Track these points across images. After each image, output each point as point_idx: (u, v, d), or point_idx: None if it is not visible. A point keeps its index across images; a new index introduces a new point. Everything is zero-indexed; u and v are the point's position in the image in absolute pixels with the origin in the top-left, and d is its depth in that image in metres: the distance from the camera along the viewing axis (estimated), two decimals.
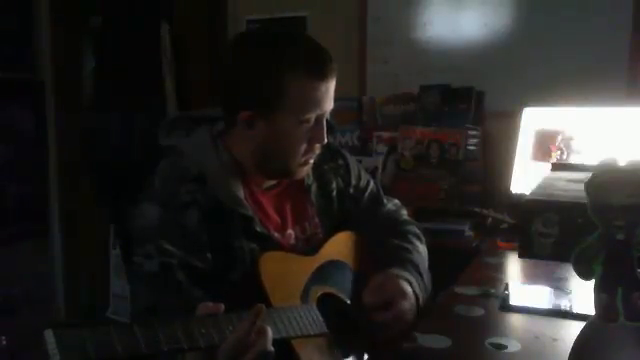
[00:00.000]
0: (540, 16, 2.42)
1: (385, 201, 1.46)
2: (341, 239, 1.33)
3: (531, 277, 1.48)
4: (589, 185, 0.85)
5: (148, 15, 3.09)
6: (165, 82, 3.08)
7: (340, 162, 1.39)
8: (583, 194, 0.85)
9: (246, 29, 2.78)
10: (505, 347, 1.06)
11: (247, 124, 1.15)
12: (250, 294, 1.07)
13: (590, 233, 0.84)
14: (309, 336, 1.08)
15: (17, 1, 2.99)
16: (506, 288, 1.33)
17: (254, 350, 0.89)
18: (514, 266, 1.62)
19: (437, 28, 2.59)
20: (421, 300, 1.25)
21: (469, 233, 2.19)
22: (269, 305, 1.04)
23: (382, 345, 1.21)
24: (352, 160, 1.43)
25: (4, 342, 0.70)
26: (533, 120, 2.14)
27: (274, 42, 1.15)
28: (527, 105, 2.17)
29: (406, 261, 1.30)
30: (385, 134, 2.60)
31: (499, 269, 1.56)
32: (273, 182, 1.27)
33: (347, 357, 1.20)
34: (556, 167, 1.43)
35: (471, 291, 1.36)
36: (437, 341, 1.09)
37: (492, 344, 1.07)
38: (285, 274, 1.15)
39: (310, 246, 1.28)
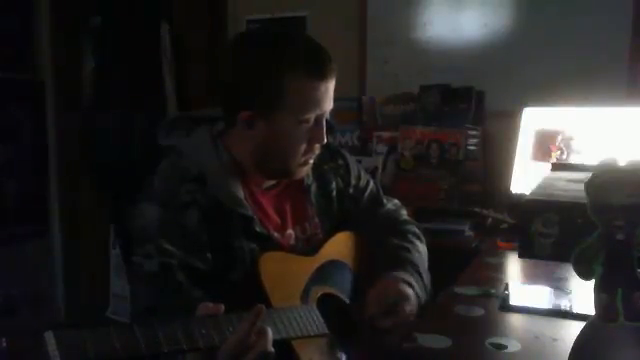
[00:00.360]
0: (540, 16, 2.42)
1: (385, 201, 1.46)
2: (341, 239, 1.33)
3: (531, 277, 1.48)
4: (589, 185, 0.84)
5: (148, 15, 3.10)
6: (165, 82, 3.08)
7: (340, 162, 1.39)
8: (583, 194, 0.85)
9: (246, 29, 2.78)
10: (505, 347, 1.06)
11: (247, 124, 1.15)
12: (250, 294, 1.07)
13: (590, 233, 0.84)
14: (309, 337, 1.08)
15: (17, 1, 3.00)
16: (506, 288, 1.33)
17: (254, 351, 0.89)
18: (514, 266, 1.62)
19: (437, 28, 2.59)
20: (422, 300, 1.25)
21: (469, 233, 2.19)
22: (269, 305, 1.04)
23: (382, 344, 1.21)
24: (352, 160, 1.43)
25: (4, 343, 0.70)
26: (533, 120, 2.14)
27: (274, 42, 1.15)
28: (527, 105, 2.17)
29: (406, 261, 1.30)
30: (385, 134, 2.60)
31: (499, 269, 1.56)
32: (273, 182, 1.27)
33: (347, 357, 1.20)
34: (556, 167, 1.43)
35: (471, 291, 1.36)
36: (437, 341, 1.09)
37: (492, 344, 1.07)
38: (285, 274, 1.15)
39: (310, 246, 1.28)
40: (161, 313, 1.04)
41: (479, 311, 1.24)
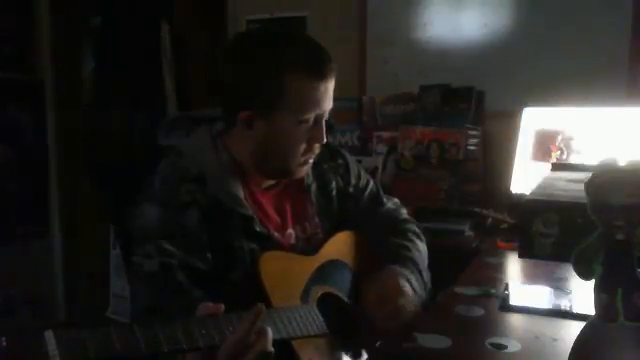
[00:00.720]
0: (540, 16, 2.42)
1: (385, 200, 1.46)
2: (341, 239, 1.33)
3: (531, 277, 1.48)
4: (589, 185, 0.84)
5: (148, 15, 3.10)
6: (165, 82, 3.08)
7: (340, 161, 1.39)
8: (583, 194, 0.85)
9: (246, 29, 2.78)
10: (505, 347, 1.06)
11: (246, 124, 1.15)
12: (250, 294, 1.07)
13: (590, 233, 0.84)
14: (309, 336, 1.08)
15: (17, 1, 3.00)
16: (506, 288, 1.33)
17: (254, 350, 0.89)
18: (514, 266, 1.62)
19: (437, 28, 2.59)
20: (420, 298, 1.25)
21: (469, 233, 2.18)
22: (269, 305, 1.04)
23: (382, 343, 1.21)
24: (351, 160, 1.43)
25: (4, 343, 0.70)
26: (533, 120, 2.14)
27: (274, 42, 1.15)
28: (527, 105, 2.17)
29: (406, 259, 1.30)
30: (385, 134, 2.60)
31: (499, 269, 1.56)
32: (273, 182, 1.27)
33: (347, 357, 1.20)
34: (556, 167, 1.43)
35: (471, 291, 1.36)
36: (437, 341, 1.09)
37: (492, 344, 1.07)
38: (285, 274, 1.15)
39: (310, 246, 1.28)
40: (161, 313, 1.04)
41: (479, 311, 1.24)
